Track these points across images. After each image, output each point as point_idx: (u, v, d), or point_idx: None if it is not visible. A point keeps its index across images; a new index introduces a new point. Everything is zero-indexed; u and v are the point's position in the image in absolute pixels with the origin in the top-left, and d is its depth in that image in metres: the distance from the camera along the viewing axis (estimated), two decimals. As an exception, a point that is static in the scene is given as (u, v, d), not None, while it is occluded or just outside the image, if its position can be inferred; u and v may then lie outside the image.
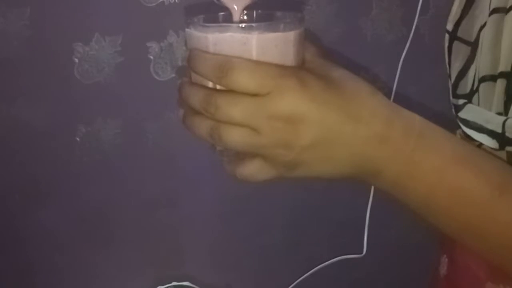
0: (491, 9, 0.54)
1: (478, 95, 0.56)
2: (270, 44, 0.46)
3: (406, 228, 1.18)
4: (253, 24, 0.47)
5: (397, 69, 0.83)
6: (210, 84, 0.46)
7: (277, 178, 0.47)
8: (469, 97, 0.58)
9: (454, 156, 0.47)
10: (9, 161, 0.94)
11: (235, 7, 0.51)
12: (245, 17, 0.52)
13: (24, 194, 0.96)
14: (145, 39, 0.94)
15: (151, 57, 0.95)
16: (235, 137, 0.44)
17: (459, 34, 0.60)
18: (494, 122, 0.52)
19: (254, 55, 0.45)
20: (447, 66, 0.62)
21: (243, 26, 0.46)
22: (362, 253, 0.92)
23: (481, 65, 0.55)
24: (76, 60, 0.91)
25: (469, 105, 0.57)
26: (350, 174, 0.47)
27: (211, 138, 0.45)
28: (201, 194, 1.05)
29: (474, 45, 0.57)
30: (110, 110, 0.96)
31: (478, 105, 0.56)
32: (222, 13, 0.53)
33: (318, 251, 1.08)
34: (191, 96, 0.46)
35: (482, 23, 0.56)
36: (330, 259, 1.03)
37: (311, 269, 1.05)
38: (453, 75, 0.60)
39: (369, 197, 0.87)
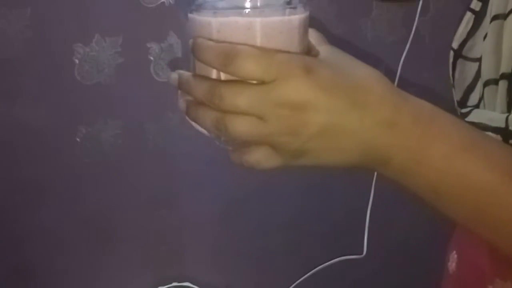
0: (491, 16, 0.55)
1: (484, 100, 0.56)
2: (275, 30, 0.44)
3: (406, 229, 1.19)
4: (257, 8, 0.45)
5: (397, 69, 0.83)
6: (214, 75, 0.46)
7: (283, 166, 0.46)
8: (477, 106, 0.58)
9: (464, 143, 0.46)
10: (10, 161, 0.94)
11: None
12: (250, 3, 0.52)
13: (24, 195, 0.96)
14: (146, 40, 0.94)
15: (152, 58, 0.95)
16: (241, 126, 0.43)
17: (464, 53, 0.61)
18: (498, 119, 0.52)
19: (258, 41, 0.44)
20: (451, 77, 0.62)
21: (247, 11, 0.45)
22: (362, 254, 0.92)
23: (484, 70, 0.56)
24: (77, 61, 0.91)
25: (475, 110, 0.58)
26: (358, 163, 0.46)
27: (217, 129, 0.44)
28: (201, 195, 1.05)
29: (480, 61, 0.58)
30: (111, 110, 0.96)
31: (484, 108, 0.56)
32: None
33: (318, 251, 1.07)
34: (195, 88, 0.45)
35: (484, 34, 0.56)
36: (330, 260, 1.03)
37: (311, 270, 1.05)
38: (460, 90, 0.61)
39: (369, 198, 0.87)
